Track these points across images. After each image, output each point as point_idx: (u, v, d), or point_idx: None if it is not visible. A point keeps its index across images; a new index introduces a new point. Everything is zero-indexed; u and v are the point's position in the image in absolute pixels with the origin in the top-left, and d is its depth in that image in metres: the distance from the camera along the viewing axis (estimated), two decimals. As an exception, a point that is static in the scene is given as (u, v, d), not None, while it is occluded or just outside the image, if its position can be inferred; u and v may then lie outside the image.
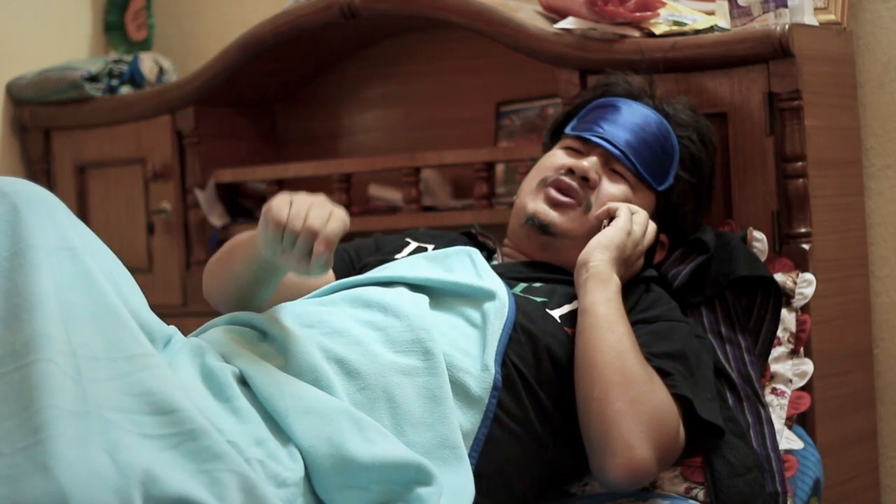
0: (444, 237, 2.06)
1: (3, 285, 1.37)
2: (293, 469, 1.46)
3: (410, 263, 1.88)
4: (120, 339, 1.41)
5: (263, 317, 1.67)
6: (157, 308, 1.57)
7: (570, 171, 1.97)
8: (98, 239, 1.51)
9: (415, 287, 1.77)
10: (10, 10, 3.07)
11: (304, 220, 1.56)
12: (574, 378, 1.73)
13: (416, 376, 1.61)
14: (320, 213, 1.57)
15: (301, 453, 1.48)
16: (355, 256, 2.04)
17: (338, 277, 1.96)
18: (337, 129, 3.02)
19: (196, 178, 2.85)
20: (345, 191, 2.72)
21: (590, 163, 1.98)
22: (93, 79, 2.95)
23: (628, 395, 1.67)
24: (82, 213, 2.97)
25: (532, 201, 1.98)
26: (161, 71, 3.04)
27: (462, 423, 1.62)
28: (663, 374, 1.73)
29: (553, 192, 1.96)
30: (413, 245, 2.02)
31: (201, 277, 2.82)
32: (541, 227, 1.95)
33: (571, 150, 2.02)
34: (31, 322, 1.35)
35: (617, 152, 1.98)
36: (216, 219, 2.84)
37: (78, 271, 1.43)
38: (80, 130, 2.99)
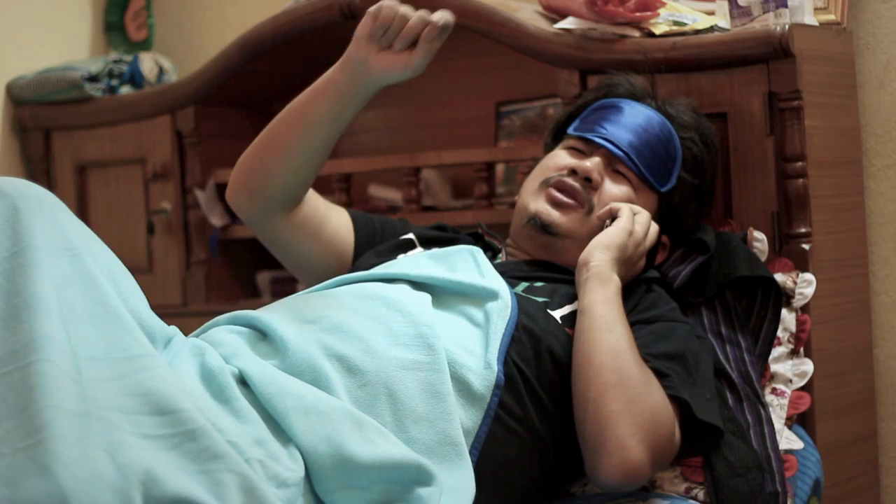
0: (453, 239, 2.05)
1: (4, 285, 1.37)
2: (293, 469, 1.46)
3: (413, 261, 1.88)
4: (120, 339, 1.41)
5: (263, 317, 1.67)
6: (157, 308, 1.57)
7: (573, 172, 1.97)
8: (98, 239, 1.51)
9: (417, 285, 1.77)
10: (10, 10, 3.07)
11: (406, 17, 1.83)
12: (571, 378, 1.73)
13: (418, 371, 1.61)
14: (417, 12, 1.84)
15: (301, 453, 1.48)
16: (379, 231, 2.11)
17: (358, 238, 2.09)
18: (337, 129, 3.01)
19: (196, 178, 2.85)
20: (345, 191, 2.72)
21: (593, 163, 1.98)
22: (93, 79, 2.95)
23: (624, 396, 1.67)
24: (82, 213, 2.97)
25: (534, 201, 1.98)
26: (161, 71, 3.04)
27: (463, 420, 1.62)
28: (661, 375, 1.73)
29: (555, 193, 1.96)
30: (417, 249, 2.02)
31: (201, 277, 2.85)
32: (542, 227, 1.95)
33: (574, 151, 2.02)
34: (32, 322, 1.34)
35: (620, 153, 1.98)
36: (216, 219, 2.84)
37: (78, 271, 1.43)
38: (80, 130, 2.99)
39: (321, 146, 2.03)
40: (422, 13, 1.85)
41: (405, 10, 1.85)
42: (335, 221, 2.12)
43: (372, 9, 1.87)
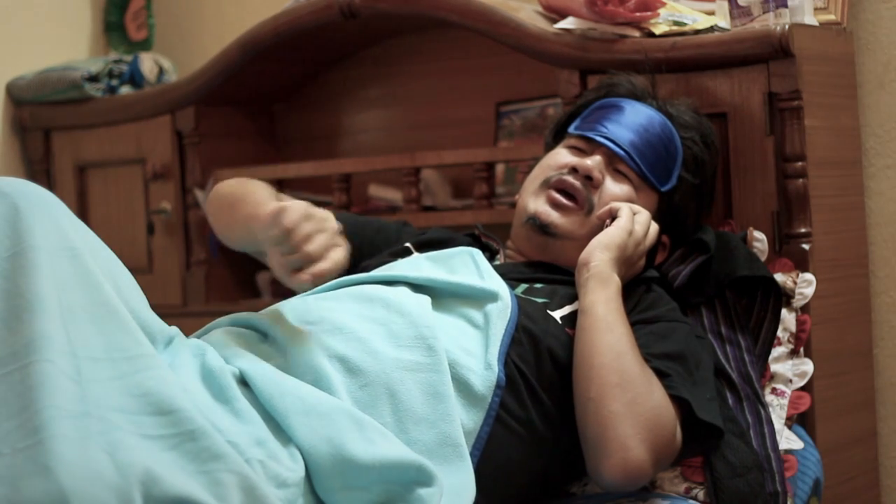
0: (449, 241, 2.04)
1: (4, 286, 1.37)
2: (293, 469, 1.46)
3: (413, 264, 1.88)
4: (120, 339, 1.41)
5: (264, 317, 1.67)
6: (157, 308, 1.57)
7: (574, 170, 1.97)
8: (98, 239, 1.51)
9: (417, 287, 1.77)
10: (10, 10, 3.07)
11: (308, 242, 1.55)
12: (572, 378, 1.73)
13: (419, 372, 1.61)
14: (325, 244, 1.57)
15: (301, 454, 1.48)
16: (371, 235, 2.08)
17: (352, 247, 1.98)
18: (337, 129, 3.02)
19: (196, 178, 2.85)
20: (345, 191, 2.72)
21: (594, 162, 1.97)
22: (93, 79, 2.95)
23: (625, 396, 1.67)
24: (82, 213, 2.97)
25: (533, 201, 1.98)
26: (161, 71, 3.04)
27: (464, 421, 1.62)
28: (662, 375, 1.73)
29: (555, 195, 1.96)
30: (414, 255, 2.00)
31: (201, 277, 2.85)
32: (541, 228, 1.95)
33: (575, 150, 2.02)
34: (32, 323, 1.34)
35: (621, 152, 1.98)
36: (216, 219, 2.84)
37: (78, 271, 1.43)
38: (80, 130, 2.99)
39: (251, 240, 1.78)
40: (308, 252, 1.56)
41: (300, 237, 1.56)
42: None
43: (278, 207, 1.58)
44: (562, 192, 1.96)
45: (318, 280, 1.56)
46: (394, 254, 2.01)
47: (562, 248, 1.95)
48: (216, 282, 2.88)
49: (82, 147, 3.00)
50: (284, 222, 1.55)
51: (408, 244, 2.05)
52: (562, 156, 2.01)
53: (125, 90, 3.00)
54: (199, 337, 1.67)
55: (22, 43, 3.08)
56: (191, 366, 1.53)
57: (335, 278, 1.66)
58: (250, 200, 1.78)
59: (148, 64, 3.02)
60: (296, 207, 1.58)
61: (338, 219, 2.02)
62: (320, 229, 1.58)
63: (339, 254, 1.59)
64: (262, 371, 1.54)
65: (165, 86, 2.96)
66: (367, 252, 2.06)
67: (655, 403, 1.69)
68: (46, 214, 1.44)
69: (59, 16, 3.20)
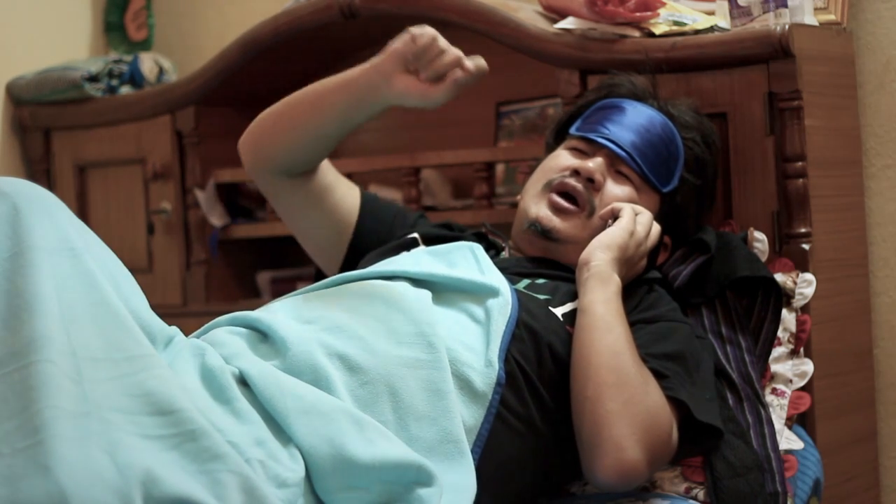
0: (458, 236, 2.05)
1: (4, 286, 1.37)
2: (294, 469, 1.46)
3: (413, 258, 1.88)
4: (120, 339, 1.41)
5: (264, 317, 1.67)
6: (157, 308, 1.57)
7: (576, 172, 1.97)
8: (98, 239, 1.51)
9: (417, 282, 1.77)
10: (10, 10, 3.07)
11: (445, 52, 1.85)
12: (570, 377, 1.73)
13: (419, 369, 1.61)
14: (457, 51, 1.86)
15: (302, 454, 1.48)
16: (389, 223, 2.14)
17: (362, 218, 2.13)
18: (337, 129, 3.01)
19: (196, 178, 2.85)
20: (345, 191, 2.72)
21: (595, 164, 1.97)
22: (93, 79, 2.95)
23: (622, 396, 1.67)
24: (82, 213, 2.97)
25: (535, 205, 1.98)
26: (161, 71, 3.04)
27: (465, 418, 1.62)
28: (660, 375, 1.73)
29: (556, 199, 1.96)
30: (420, 248, 2.02)
31: (201, 277, 2.85)
32: (543, 233, 1.95)
33: (576, 151, 2.02)
34: (32, 323, 1.34)
35: (623, 154, 1.98)
36: (216, 219, 2.84)
37: (78, 272, 1.43)
38: (80, 130, 2.99)
39: (328, 135, 2.05)
40: (459, 54, 1.87)
41: (444, 43, 1.87)
42: (339, 196, 2.15)
43: (414, 30, 1.89)
44: (563, 194, 1.96)
45: (470, 77, 1.85)
46: (399, 245, 2.02)
47: (564, 251, 1.95)
48: (216, 282, 2.88)
49: (82, 147, 3.00)
50: (425, 35, 1.87)
51: (415, 235, 2.05)
52: (563, 158, 2.01)
53: (125, 90, 2.99)
54: (198, 337, 1.67)
55: (22, 43, 3.08)
56: (191, 366, 1.53)
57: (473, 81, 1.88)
58: (321, 86, 2.02)
59: (148, 64, 3.02)
60: (423, 28, 1.88)
61: (363, 196, 2.10)
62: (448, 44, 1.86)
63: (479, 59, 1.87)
64: (261, 371, 1.54)
65: (165, 86, 2.96)
66: (383, 235, 2.11)
67: (652, 404, 1.69)
68: (46, 214, 1.44)
69: (59, 16, 3.20)
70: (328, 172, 2.15)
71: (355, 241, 2.13)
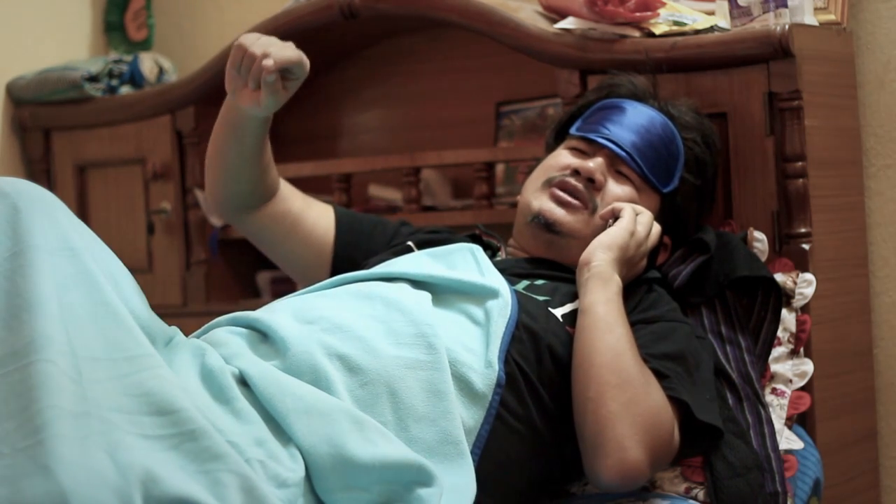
0: (450, 240, 2.05)
1: (4, 286, 1.37)
2: (294, 469, 1.46)
3: (413, 260, 1.88)
4: (120, 339, 1.41)
5: (264, 317, 1.67)
6: (157, 308, 1.57)
7: (576, 172, 1.97)
8: (98, 239, 1.51)
9: (417, 284, 1.77)
10: (10, 10, 3.07)
11: (265, 53, 1.84)
12: (571, 378, 1.73)
13: (419, 370, 1.61)
14: (276, 43, 1.87)
15: (301, 454, 1.48)
16: (367, 235, 2.13)
17: (339, 236, 2.12)
18: (337, 129, 3.02)
19: (196, 178, 2.85)
20: (345, 191, 2.72)
21: (595, 164, 1.97)
22: (93, 79, 2.95)
23: (623, 396, 1.67)
24: (82, 213, 2.97)
25: (537, 199, 1.98)
26: (161, 71, 3.04)
27: (465, 419, 1.62)
28: (661, 375, 1.73)
29: (558, 192, 1.96)
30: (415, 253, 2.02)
31: (201, 277, 2.85)
32: (546, 226, 1.95)
33: (576, 151, 2.02)
34: (32, 322, 1.34)
35: (623, 154, 1.98)
36: (216, 219, 2.84)
37: (78, 272, 1.43)
38: (80, 130, 2.99)
39: (242, 162, 2.06)
40: (258, 54, 1.85)
41: (256, 47, 1.86)
42: (313, 218, 2.15)
43: (239, 40, 1.89)
44: (565, 191, 1.96)
45: (279, 65, 1.84)
46: (395, 252, 2.02)
47: (566, 246, 1.95)
48: (216, 282, 2.88)
49: (82, 147, 2.99)
50: (237, 44, 1.86)
51: (409, 242, 2.05)
52: (563, 157, 2.01)
53: (125, 90, 2.99)
54: (198, 337, 1.67)
55: (22, 43, 3.08)
56: (191, 366, 1.53)
57: (297, 76, 1.89)
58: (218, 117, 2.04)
59: (148, 64, 3.02)
60: (245, 36, 1.88)
61: (338, 213, 2.10)
62: (273, 41, 1.86)
63: (299, 53, 1.87)
64: (261, 371, 1.54)
65: (165, 86, 2.96)
66: (363, 246, 2.08)
67: (653, 404, 1.69)
68: (46, 214, 1.45)
69: (59, 16, 3.20)
70: (293, 199, 2.15)
71: (337, 259, 2.12)
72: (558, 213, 1.95)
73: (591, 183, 1.96)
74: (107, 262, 1.50)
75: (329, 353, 1.60)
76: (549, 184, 1.98)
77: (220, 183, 2.10)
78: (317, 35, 2.67)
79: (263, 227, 2.14)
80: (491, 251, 2.03)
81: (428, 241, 2.06)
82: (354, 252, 2.10)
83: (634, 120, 2.00)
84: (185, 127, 2.86)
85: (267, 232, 2.14)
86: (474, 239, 2.09)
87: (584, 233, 1.94)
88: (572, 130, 2.05)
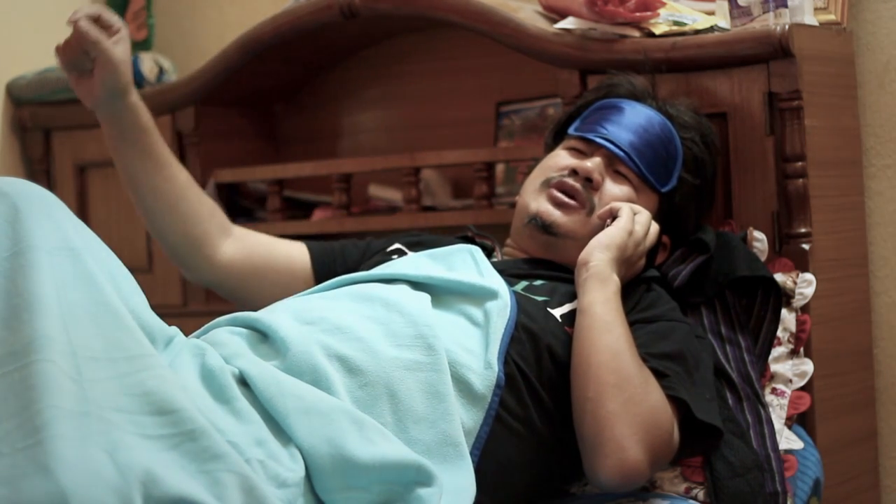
0: (438, 242, 2.04)
1: (4, 285, 1.37)
2: (293, 469, 1.46)
3: (412, 261, 1.88)
4: (120, 339, 1.41)
5: (264, 318, 1.67)
6: (157, 308, 1.57)
7: (574, 172, 1.97)
8: (98, 239, 1.51)
9: (417, 285, 1.77)
10: (10, 10, 3.07)
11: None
12: (570, 378, 1.73)
13: (419, 371, 1.61)
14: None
15: (301, 454, 1.48)
16: (339, 253, 2.10)
17: (316, 261, 2.09)
18: (337, 129, 3.02)
19: (196, 178, 2.84)
20: (345, 191, 2.72)
21: (593, 164, 1.98)
22: (93, 79, 2.95)
23: (623, 396, 1.67)
24: (82, 213, 2.97)
25: (535, 201, 1.98)
26: (161, 71, 3.04)
27: (464, 420, 1.62)
28: (660, 375, 1.73)
29: (556, 193, 1.96)
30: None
31: (201, 277, 2.85)
32: (544, 228, 1.95)
33: (575, 151, 2.02)
34: (32, 322, 1.34)
35: (621, 153, 1.98)
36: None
37: (78, 271, 1.43)
38: (80, 130, 2.98)
39: (159, 173, 2.08)
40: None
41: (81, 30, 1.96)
42: (284, 249, 2.12)
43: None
44: (563, 191, 1.97)
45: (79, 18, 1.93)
46: (387, 256, 2.01)
47: (564, 247, 1.95)
48: (216, 282, 2.87)
49: (82, 147, 2.99)
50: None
51: (400, 245, 2.05)
52: (561, 157, 2.01)
53: (125, 90, 2.99)
54: (198, 337, 1.67)
55: (22, 43, 3.08)
56: (190, 366, 1.53)
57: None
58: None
59: (148, 64, 3.01)
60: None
61: (308, 245, 2.09)
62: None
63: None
64: (261, 371, 1.54)
65: (165, 86, 2.96)
66: (339, 263, 2.09)
67: (652, 404, 1.69)
68: (46, 214, 1.44)
69: (60, 16, 3.19)
70: (253, 236, 2.13)
71: (318, 281, 2.08)
72: (555, 214, 1.95)
73: (589, 182, 1.97)
74: (107, 261, 1.50)
75: (329, 353, 1.60)
76: (546, 184, 1.98)
77: (157, 219, 2.08)
78: (317, 35, 2.68)
79: (234, 269, 2.09)
80: (486, 251, 2.03)
81: (418, 243, 2.06)
82: (334, 269, 2.08)
83: (633, 120, 2.00)
84: (185, 127, 2.86)
85: (241, 275, 2.09)
86: (467, 241, 2.08)
87: (581, 233, 1.94)
88: (570, 130, 2.05)
